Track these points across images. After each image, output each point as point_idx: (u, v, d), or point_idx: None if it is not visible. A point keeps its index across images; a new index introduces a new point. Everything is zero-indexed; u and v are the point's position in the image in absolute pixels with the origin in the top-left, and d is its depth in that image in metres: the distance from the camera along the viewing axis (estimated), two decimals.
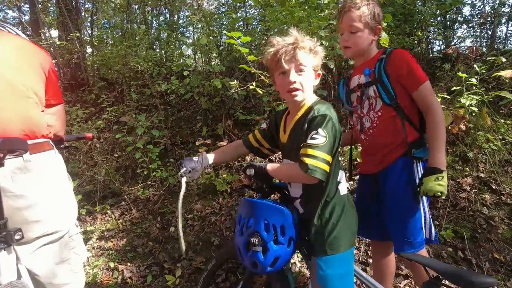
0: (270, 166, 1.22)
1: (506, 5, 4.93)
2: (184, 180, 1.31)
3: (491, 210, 2.36)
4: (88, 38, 6.35)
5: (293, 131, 1.23)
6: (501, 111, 2.85)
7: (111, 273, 2.51)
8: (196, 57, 6.05)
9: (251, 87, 1.94)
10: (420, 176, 1.32)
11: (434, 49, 5.29)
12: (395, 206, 1.38)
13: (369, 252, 2.26)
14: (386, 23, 2.73)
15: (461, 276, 0.99)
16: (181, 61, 4.83)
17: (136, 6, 6.54)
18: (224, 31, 3.61)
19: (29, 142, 1.07)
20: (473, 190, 2.52)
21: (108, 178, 3.44)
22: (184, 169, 1.33)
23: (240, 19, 4.22)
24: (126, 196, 3.28)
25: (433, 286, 1.08)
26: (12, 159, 1.02)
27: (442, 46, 5.08)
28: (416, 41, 4.01)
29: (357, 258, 2.22)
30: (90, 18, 6.69)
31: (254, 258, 1.13)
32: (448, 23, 5.11)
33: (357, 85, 1.47)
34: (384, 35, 2.43)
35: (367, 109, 1.44)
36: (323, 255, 1.17)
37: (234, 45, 1.79)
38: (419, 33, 4.09)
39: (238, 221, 1.21)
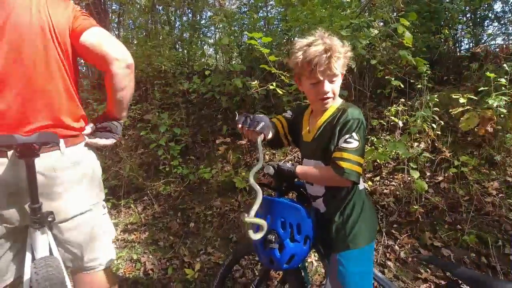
0: (300, 169, 1.22)
1: None
2: (260, 139, 1.16)
3: None
4: None
5: (322, 132, 1.23)
6: None
7: (133, 265, 2.62)
8: (217, 56, 6.15)
9: (271, 87, 1.96)
10: None
11: (462, 48, 5.11)
12: None
13: (387, 254, 2.24)
14: (410, 22, 2.67)
15: (482, 282, 0.97)
16: (203, 60, 4.93)
17: (161, 7, 6.73)
18: (245, 32, 3.65)
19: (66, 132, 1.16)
20: (500, 195, 2.42)
21: (132, 174, 3.58)
22: (263, 123, 1.17)
23: (262, 19, 4.25)
24: (148, 192, 3.41)
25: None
26: (47, 153, 1.11)
27: (471, 45, 4.89)
28: (442, 40, 3.89)
29: (375, 260, 2.21)
30: (117, 20, 6.95)
31: (271, 255, 1.16)
32: (478, 20, 4.91)
33: None
34: (407, 34, 2.39)
35: None
36: (345, 250, 1.19)
37: (255, 46, 1.82)
38: (446, 31, 3.96)
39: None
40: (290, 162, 3.03)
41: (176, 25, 7.00)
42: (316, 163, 1.26)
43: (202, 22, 6.41)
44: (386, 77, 2.95)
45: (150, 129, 3.64)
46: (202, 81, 3.91)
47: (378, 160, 2.79)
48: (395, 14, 3.20)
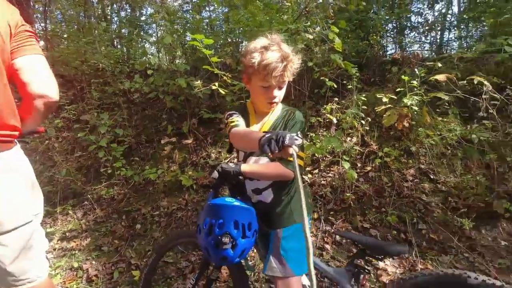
0: (246, 168, 1.29)
1: (449, 15, 5.51)
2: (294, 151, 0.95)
3: (429, 197, 2.68)
4: (41, 32, 6.00)
5: (274, 129, 1.35)
6: (438, 110, 3.22)
7: (75, 273, 2.49)
8: (160, 55, 6.00)
9: (213, 87, 2.04)
10: None
11: (388, 53, 5.75)
12: None
13: (325, 239, 2.48)
14: (340, 29, 2.97)
15: (381, 247, 1.24)
16: (145, 59, 4.78)
17: (95, 0, 6.31)
18: (187, 33, 3.66)
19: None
20: (415, 180, 2.84)
21: (69, 178, 3.35)
22: (288, 135, 0.96)
23: (204, 20, 4.29)
24: (89, 196, 3.23)
25: (360, 257, 1.32)
26: None
27: (396, 50, 5.54)
28: (369, 46, 4.35)
29: (315, 244, 2.43)
30: (42, 10, 6.32)
31: (224, 254, 1.22)
32: (397, 29, 5.58)
33: None
34: (337, 40, 2.66)
35: None
36: (288, 226, 1.34)
37: (197, 47, 1.88)
38: (374, 37, 4.44)
39: (203, 224, 1.25)
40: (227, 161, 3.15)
41: (114, 21, 6.64)
42: (268, 160, 1.36)
43: (142, 19, 6.19)
44: (321, 78, 3.22)
45: (88, 130, 3.44)
46: (145, 81, 3.81)
47: (316, 154, 3.04)
48: (327, 21, 3.51)
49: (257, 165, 1.34)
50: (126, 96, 4.32)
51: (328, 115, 3.09)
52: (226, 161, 1.29)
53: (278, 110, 1.39)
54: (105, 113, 3.65)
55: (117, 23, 6.21)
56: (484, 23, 4.78)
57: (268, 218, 1.38)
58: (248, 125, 1.39)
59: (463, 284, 1.11)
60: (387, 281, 2.11)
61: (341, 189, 2.78)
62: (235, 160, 1.46)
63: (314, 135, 3.13)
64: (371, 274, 2.19)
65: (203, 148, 3.53)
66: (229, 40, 4.35)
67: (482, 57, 3.62)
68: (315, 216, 2.66)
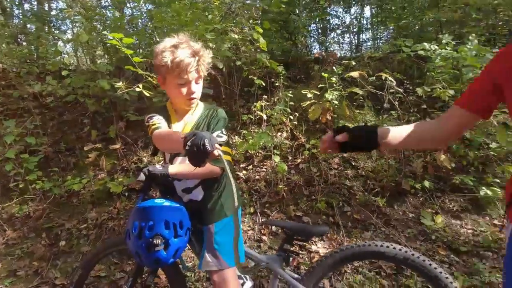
0: (173, 169, 1.27)
1: (364, 18, 6.11)
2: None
3: (351, 182, 2.98)
4: None
5: (198, 128, 1.37)
6: (355, 103, 3.59)
7: None
8: (78, 54, 5.47)
9: (137, 89, 1.95)
10: None
11: (314, 52, 6.18)
12: None
13: (262, 231, 2.58)
14: (265, 29, 3.10)
15: (304, 230, 1.38)
16: (58, 59, 4.31)
17: None
18: (105, 32, 3.41)
19: None
20: (339, 168, 3.13)
21: None
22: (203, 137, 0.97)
23: (126, 17, 4.04)
24: None
25: (288, 242, 1.45)
26: None
27: (320, 50, 5.97)
28: (293, 45, 4.62)
29: (253, 237, 2.51)
30: None
31: (157, 256, 1.20)
32: (319, 30, 6.03)
33: None
34: (261, 40, 2.77)
35: None
36: (219, 220, 1.38)
37: (117, 46, 1.77)
38: (298, 38, 4.73)
39: (132, 228, 1.22)
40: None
41: (16, 14, 5.82)
42: (185, 160, 1.36)
43: (52, 13, 5.55)
44: (250, 77, 3.32)
45: None
46: (60, 83, 3.44)
47: (249, 151, 3.13)
48: (251, 21, 3.62)
49: (183, 165, 1.33)
50: (37, 100, 3.85)
51: (259, 112, 3.21)
52: (160, 163, 1.25)
53: (199, 109, 1.41)
54: (11, 120, 3.20)
55: (20, 17, 5.46)
56: (392, 27, 5.47)
57: (201, 214, 1.40)
58: (170, 125, 1.39)
59: (376, 252, 1.29)
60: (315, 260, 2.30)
61: (274, 182, 2.91)
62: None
63: (246, 132, 3.22)
64: (305, 258, 2.36)
65: (134, 153, 3.35)
66: (155, 39, 4.19)
67: (387, 56, 4.14)
68: (252, 210, 2.75)
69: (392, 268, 2.20)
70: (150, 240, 1.16)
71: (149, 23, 3.80)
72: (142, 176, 1.27)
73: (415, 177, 2.87)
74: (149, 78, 2.02)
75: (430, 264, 1.24)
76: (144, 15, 3.71)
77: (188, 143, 0.95)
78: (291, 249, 1.49)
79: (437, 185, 2.81)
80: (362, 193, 2.89)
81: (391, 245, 1.30)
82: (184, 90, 1.28)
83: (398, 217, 2.66)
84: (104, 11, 4.22)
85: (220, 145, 1.29)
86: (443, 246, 2.34)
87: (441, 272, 1.22)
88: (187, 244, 1.34)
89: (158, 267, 1.27)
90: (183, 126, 1.38)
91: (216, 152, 0.96)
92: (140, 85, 1.93)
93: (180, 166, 1.32)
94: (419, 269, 1.26)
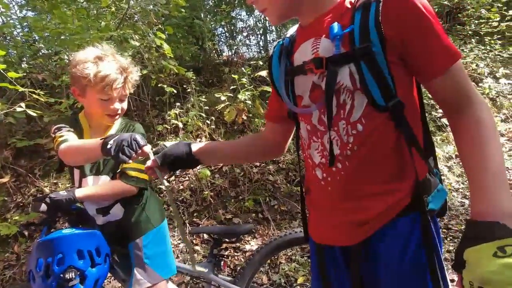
0: (82, 193, 1.16)
1: (267, 20, 6.41)
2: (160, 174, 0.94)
3: (275, 176, 3.11)
4: None
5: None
6: (267, 101, 3.75)
7: None
8: None
9: (18, 109, 1.64)
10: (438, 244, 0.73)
11: (225, 55, 6.25)
12: None
13: (194, 241, 2.49)
14: (167, 34, 3.00)
15: (230, 231, 1.40)
16: None
17: None
18: None
19: None
20: (262, 165, 3.22)
21: None
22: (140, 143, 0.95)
23: None
24: None
25: (217, 246, 1.44)
26: None
27: (229, 53, 6.07)
28: (201, 50, 4.59)
29: (185, 249, 2.41)
30: None
31: None
32: (227, 33, 6.14)
33: (310, 60, 0.72)
34: (165, 46, 2.67)
35: (334, 115, 0.72)
36: (145, 233, 1.30)
37: None
38: (207, 42, 4.71)
39: (36, 267, 1.06)
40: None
41: None
42: (105, 178, 1.26)
43: None
44: (159, 85, 3.18)
45: None
46: None
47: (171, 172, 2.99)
48: (159, 27, 3.47)
49: (94, 187, 1.22)
50: None
51: (174, 120, 3.09)
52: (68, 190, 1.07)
53: (116, 123, 1.32)
54: None
55: None
56: None
57: (124, 232, 1.30)
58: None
59: (295, 239, 1.37)
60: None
61: (199, 190, 2.84)
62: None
63: (163, 142, 3.06)
64: (240, 258, 2.36)
65: (31, 184, 2.87)
66: (44, 51, 3.66)
67: None
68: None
69: None
70: (61, 276, 1.02)
71: (24, 32, 3.28)
72: (43, 207, 1.10)
73: None
74: (35, 96, 1.74)
75: None
76: (19, 24, 3.17)
77: (111, 141, 0.91)
78: (221, 253, 1.47)
79: None
80: (285, 185, 3.03)
81: (294, 230, 1.42)
82: (106, 107, 1.18)
83: None
84: None
85: (135, 161, 1.21)
86: None
87: None
88: (109, 272, 1.22)
89: None
90: None
91: (147, 149, 0.93)
92: (23, 104, 1.64)
93: (90, 188, 1.21)
94: None
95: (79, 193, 1.15)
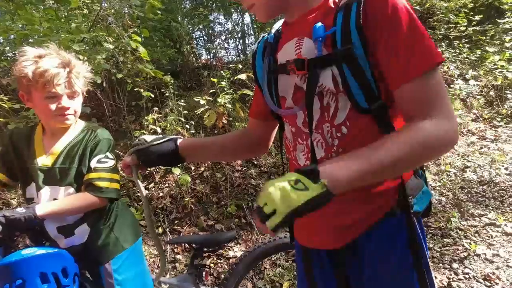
0: (43, 210, 1.03)
1: (245, 24, 6.41)
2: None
3: (256, 180, 3.07)
4: None
5: (68, 153, 1.15)
6: (247, 104, 3.73)
7: None
8: None
9: None
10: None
11: (203, 59, 6.17)
12: None
13: (175, 250, 2.41)
14: (143, 37, 2.91)
15: (211, 240, 1.34)
16: None
17: None
18: None
19: None
20: (243, 169, 3.18)
21: None
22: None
23: None
24: None
25: (198, 256, 1.39)
26: None
27: (208, 57, 6.00)
28: (178, 53, 4.51)
29: (166, 259, 2.31)
30: None
31: None
32: (205, 37, 6.09)
33: (293, 61, 0.71)
34: (141, 49, 2.59)
35: (317, 117, 0.72)
36: (116, 255, 1.19)
37: None
38: (184, 45, 4.64)
39: None
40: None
41: None
42: (66, 189, 1.14)
43: None
44: (136, 89, 3.08)
45: None
46: None
47: (148, 168, 2.89)
48: (135, 30, 3.37)
49: (57, 202, 1.09)
50: None
51: (152, 125, 3.00)
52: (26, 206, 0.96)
53: (77, 129, 1.19)
54: None
55: None
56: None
57: (91, 255, 1.19)
58: (27, 156, 1.15)
59: (285, 246, 1.33)
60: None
61: (180, 196, 2.76)
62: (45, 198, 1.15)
63: (143, 136, 2.96)
64: (224, 266, 2.30)
65: None
66: (9, 54, 3.45)
67: None
68: (160, 230, 2.54)
69: None
70: None
71: None
72: None
73: None
74: None
75: None
76: None
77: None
78: (203, 262, 1.41)
79: None
80: None
81: (279, 237, 1.39)
82: (53, 106, 1.07)
83: None
84: None
85: (104, 170, 1.12)
86: None
87: None
88: None
89: None
90: (50, 154, 1.15)
91: None
92: None
93: (53, 204, 1.08)
94: None
95: (40, 210, 1.03)
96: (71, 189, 1.14)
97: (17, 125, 2.18)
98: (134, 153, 0.88)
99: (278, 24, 0.83)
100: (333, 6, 0.68)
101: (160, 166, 3.04)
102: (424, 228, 0.80)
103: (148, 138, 0.88)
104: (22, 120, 2.27)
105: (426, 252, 0.72)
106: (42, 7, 2.51)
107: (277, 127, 0.94)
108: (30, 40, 2.64)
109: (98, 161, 1.13)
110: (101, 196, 1.11)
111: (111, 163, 1.15)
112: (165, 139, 0.89)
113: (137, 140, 0.89)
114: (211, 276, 2.25)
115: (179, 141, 0.89)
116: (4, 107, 1.71)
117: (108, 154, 1.16)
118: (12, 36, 2.69)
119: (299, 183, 0.53)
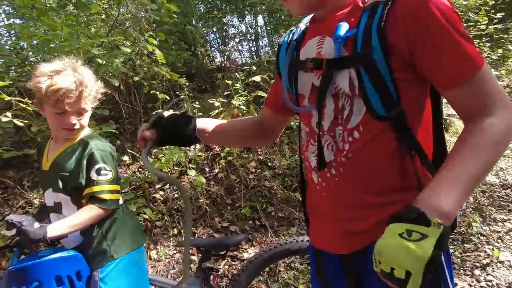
0: (57, 231, 1.03)
1: (258, 26, 6.43)
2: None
3: (271, 182, 3.06)
4: None
5: (59, 160, 1.19)
6: (261, 106, 3.72)
7: None
8: None
9: (4, 119, 1.58)
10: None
11: (217, 61, 6.22)
12: None
13: (190, 251, 2.43)
14: (159, 40, 2.96)
15: (219, 244, 1.34)
16: None
17: None
18: None
19: None
20: (257, 171, 3.18)
21: None
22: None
23: None
24: None
25: (206, 259, 1.39)
26: None
27: (222, 59, 6.04)
28: (193, 56, 4.56)
29: (180, 260, 2.34)
30: None
31: None
32: (219, 39, 6.13)
33: (312, 59, 0.71)
34: (158, 52, 2.63)
35: (331, 120, 0.70)
36: (104, 264, 1.16)
37: None
38: (199, 48, 4.68)
39: None
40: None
41: None
42: (56, 195, 1.17)
43: None
44: (151, 92, 3.13)
45: None
46: None
47: (163, 169, 2.93)
48: (150, 34, 3.44)
49: (68, 221, 1.09)
50: None
51: None
52: (41, 224, 1.00)
53: (77, 138, 1.23)
54: None
55: None
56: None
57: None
58: (40, 159, 1.25)
59: (296, 249, 1.32)
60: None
61: (194, 197, 2.78)
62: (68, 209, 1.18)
63: (157, 150, 3.00)
64: (238, 267, 2.30)
65: (19, 196, 2.78)
66: (32, 59, 3.58)
67: None
68: (175, 231, 2.57)
69: None
70: None
71: (10, 39, 3.20)
72: (13, 231, 0.98)
73: None
74: (22, 105, 1.67)
75: None
76: (7, 31, 3.09)
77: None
78: (211, 265, 1.41)
79: None
80: (282, 191, 2.99)
81: (294, 239, 1.36)
82: (61, 121, 1.13)
83: None
84: None
85: (101, 182, 1.15)
86: None
87: None
88: None
89: None
90: (47, 155, 1.24)
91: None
92: (9, 114, 1.57)
93: (64, 224, 1.07)
94: None
95: (52, 232, 1.02)
96: (61, 195, 1.17)
97: (40, 127, 2.26)
98: (156, 128, 0.82)
99: (307, 19, 0.81)
100: (361, 5, 0.66)
101: (173, 158, 3.07)
102: None
103: (166, 113, 0.86)
104: (45, 122, 2.35)
105: (450, 268, 0.70)
106: (63, 13, 2.59)
107: (289, 120, 0.96)
108: (52, 45, 2.73)
109: (98, 173, 1.16)
110: (106, 208, 1.15)
111: (110, 175, 1.18)
112: (178, 115, 0.87)
113: (155, 114, 0.85)
114: (226, 278, 2.26)
115: (198, 121, 0.88)
116: (28, 110, 1.77)
117: (106, 166, 1.17)
118: (35, 42, 2.79)
119: (414, 233, 0.51)
